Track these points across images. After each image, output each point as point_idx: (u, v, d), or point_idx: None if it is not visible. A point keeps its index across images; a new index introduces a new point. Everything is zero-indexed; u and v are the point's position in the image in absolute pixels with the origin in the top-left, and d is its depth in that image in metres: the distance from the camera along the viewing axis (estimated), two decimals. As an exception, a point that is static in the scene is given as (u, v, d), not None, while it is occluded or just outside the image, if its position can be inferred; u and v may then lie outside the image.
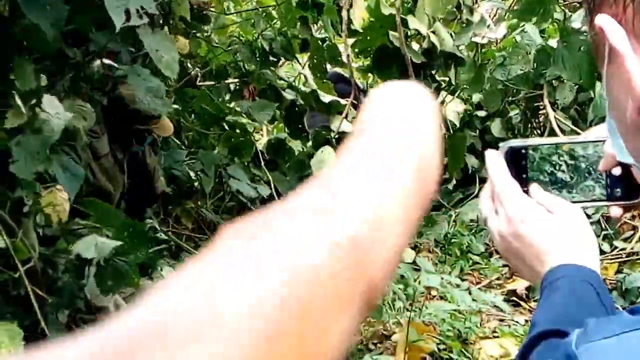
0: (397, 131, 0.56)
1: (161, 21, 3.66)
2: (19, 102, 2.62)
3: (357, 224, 0.46)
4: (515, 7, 7.07)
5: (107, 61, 3.73)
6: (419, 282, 4.37)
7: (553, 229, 1.00)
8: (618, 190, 1.04)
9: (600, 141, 1.03)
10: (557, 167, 1.05)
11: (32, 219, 2.89)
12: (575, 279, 0.94)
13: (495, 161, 1.05)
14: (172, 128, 4.33)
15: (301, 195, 0.48)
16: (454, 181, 7.37)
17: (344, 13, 5.16)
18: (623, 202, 1.04)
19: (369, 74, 7.27)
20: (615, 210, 1.04)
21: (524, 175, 1.05)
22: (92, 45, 3.18)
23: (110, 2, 2.55)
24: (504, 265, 5.67)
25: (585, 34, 4.96)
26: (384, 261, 0.48)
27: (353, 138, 0.55)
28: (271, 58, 5.38)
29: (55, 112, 2.70)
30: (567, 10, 5.13)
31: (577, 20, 5.16)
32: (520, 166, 1.06)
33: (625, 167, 1.00)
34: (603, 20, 0.65)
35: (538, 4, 4.71)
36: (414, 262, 5.51)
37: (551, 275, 0.96)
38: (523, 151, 1.07)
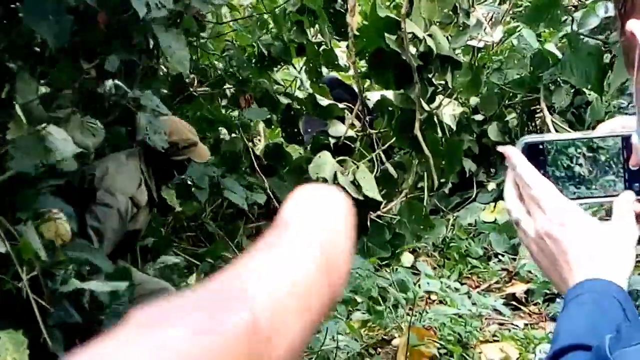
0: (311, 228, 0.59)
1: (177, 20, 3.67)
2: (19, 113, 2.61)
3: (257, 311, 0.47)
4: (512, 12, 7.09)
5: (117, 82, 3.75)
6: (419, 286, 4.35)
7: (590, 238, 0.98)
8: (637, 184, 1.02)
9: (619, 135, 1.01)
10: (575, 162, 1.03)
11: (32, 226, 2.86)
12: (602, 294, 0.92)
13: (520, 159, 1.02)
14: (208, 153, 4.35)
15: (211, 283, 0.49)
16: (451, 185, 7.36)
17: (348, 18, 5.15)
18: None
19: (366, 79, 7.28)
20: (637, 206, 1.02)
21: (542, 171, 1.03)
22: (107, 63, 3.19)
23: None
24: (503, 269, 5.66)
25: (592, 39, 4.97)
26: (283, 349, 0.48)
27: (271, 233, 0.57)
28: (267, 63, 5.36)
29: (62, 137, 2.70)
30: (572, 16, 5.12)
31: (584, 25, 5.17)
32: (537, 162, 1.03)
33: None
34: (635, 25, 0.64)
35: (545, 10, 4.72)
36: (413, 267, 5.50)
37: (578, 289, 0.94)
38: (540, 146, 1.04)
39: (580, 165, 1.03)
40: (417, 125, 5.32)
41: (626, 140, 1.01)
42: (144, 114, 3.49)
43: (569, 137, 1.04)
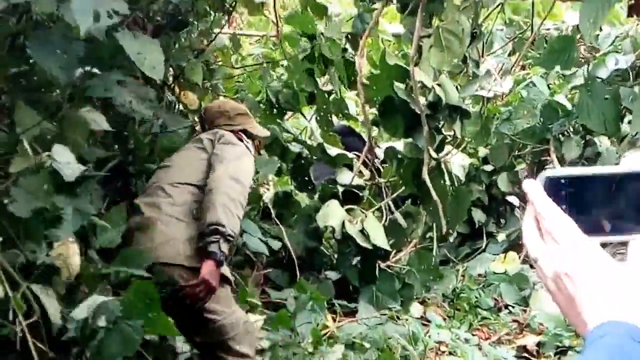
0: None
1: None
2: (26, 146, 2.57)
3: None
4: (521, 63, 7.12)
5: None
6: (429, 336, 4.27)
7: (611, 278, 0.94)
8: None
9: None
10: (598, 198, 0.99)
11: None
12: (623, 337, 0.88)
13: (540, 193, 0.99)
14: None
15: None
16: (458, 235, 7.31)
17: (357, 65, 5.16)
18: None
19: (374, 127, 7.29)
20: None
21: (563, 206, 0.99)
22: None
23: (79, 3, 2.48)
24: (513, 320, 5.58)
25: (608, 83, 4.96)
26: None
27: None
28: (276, 110, 5.37)
29: (66, 161, 2.64)
30: (588, 61, 5.12)
31: (600, 70, 5.16)
32: (558, 197, 0.99)
33: None
34: None
35: (561, 52, 4.72)
36: (422, 317, 5.42)
37: (599, 331, 0.90)
38: (562, 181, 1.00)
39: (603, 201, 1.00)
40: (425, 170, 5.29)
41: None
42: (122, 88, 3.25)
43: (592, 171, 1.00)
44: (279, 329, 4.24)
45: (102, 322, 2.77)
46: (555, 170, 1.03)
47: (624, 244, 0.99)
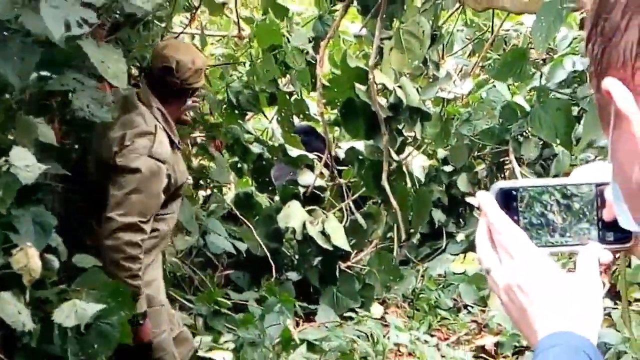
0: None
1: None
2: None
3: None
4: (481, 64, 7.19)
5: None
6: (388, 338, 4.31)
7: (560, 289, 0.96)
8: (610, 234, 1.00)
9: (593, 183, 1.00)
10: (549, 209, 1.02)
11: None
12: (572, 348, 0.90)
13: (492, 205, 1.00)
14: None
15: None
16: (420, 236, 7.36)
17: (318, 69, 5.17)
18: (615, 246, 1.00)
19: (335, 127, 7.32)
20: (606, 256, 1.01)
21: (515, 218, 1.01)
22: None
23: (48, 12, 2.46)
24: (472, 321, 5.64)
25: (561, 94, 5.06)
26: None
27: None
28: (237, 111, 5.36)
29: (24, 164, 2.61)
30: (541, 70, 5.21)
31: (558, 72, 5.25)
32: (510, 208, 1.01)
33: None
34: (610, 83, 0.64)
35: (514, 65, 4.81)
36: (382, 318, 5.46)
37: (547, 341, 0.93)
38: (514, 192, 1.02)
39: (554, 212, 1.02)
40: (384, 175, 5.33)
41: (600, 187, 1.00)
42: (80, 92, 3.10)
43: (543, 183, 1.02)
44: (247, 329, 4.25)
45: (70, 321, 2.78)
46: (507, 182, 1.04)
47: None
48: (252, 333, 4.20)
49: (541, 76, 5.22)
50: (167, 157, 3.47)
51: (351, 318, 5.19)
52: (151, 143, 3.39)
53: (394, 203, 5.27)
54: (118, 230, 3.26)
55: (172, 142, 3.58)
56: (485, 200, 1.01)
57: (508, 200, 1.02)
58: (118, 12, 3.20)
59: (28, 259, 2.87)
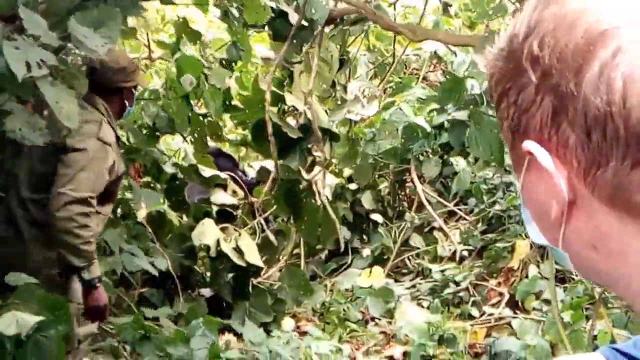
0: None
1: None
2: None
3: None
4: (385, 86, 7.49)
5: None
6: (310, 347, 4.49)
7: None
8: None
9: None
10: None
11: None
12: None
13: None
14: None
15: None
16: (326, 251, 7.57)
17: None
18: None
19: (242, 147, 7.49)
20: None
21: None
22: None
23: (11, 53, 2.59)
24: (381, 332, 5.88)
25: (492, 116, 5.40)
26: None
27: None
28: (154, 133, 5.47)
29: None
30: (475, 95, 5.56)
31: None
32: None
33: None
34: (531, 145, 0.77)
35: (453, 91, 5.19)
36: (295, 330, 5.65)
37: None
38: None
39: None
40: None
41: None
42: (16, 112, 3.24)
43: None
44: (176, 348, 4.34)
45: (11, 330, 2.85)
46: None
47: None
48: (181, 351, 4.31)
49: (477, 100, 5.53)
50: (111, 142, 3.77)
51: (267, 332, 5.34)
52: (97, 129, 3.71)
53: (332, 215, 5.45)
54: (70, 204, 3.52)
55: (116, 137, 3.92)
56: None
57: None
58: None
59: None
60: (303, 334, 5.58)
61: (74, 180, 3.56)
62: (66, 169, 3.59)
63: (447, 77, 6.71)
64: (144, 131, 5.33)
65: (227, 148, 7.52)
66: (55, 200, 3.54)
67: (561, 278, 5.98)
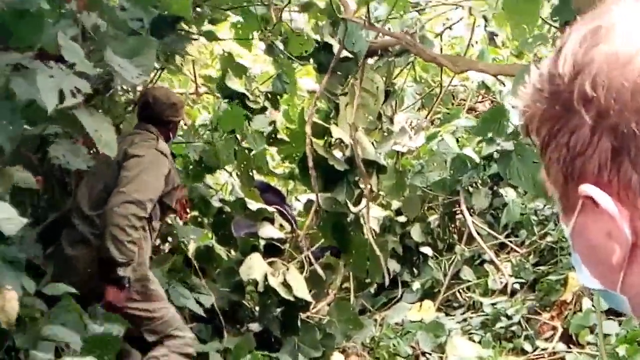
0: None
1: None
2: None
3: None
4: (432, 118, 7.44)
5: None
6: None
7: None
8: None
9: None
10: None
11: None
12: None
13: None
14: None
15: None
16: (375, 285, 7.49)
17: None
18: None
19: (290, 180, 7.48)
20: None
21: None
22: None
23: (44, 82, 2.60)
24: (432, 368, 5.78)
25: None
26: None
27: None
28: (200, 169, 5.49)
29: (6, 216, 2.71)
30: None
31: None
32: None
33: None
34: (591, 190, 0.74)
35: (493, 122, 5.13)
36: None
37: None
38: None
39: None
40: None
41: None
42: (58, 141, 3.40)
43: None
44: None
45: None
46: None
47: None
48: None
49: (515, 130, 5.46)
50: (168, 154, 4.14)
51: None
52: (155, 142, 4.07)
53: (377, 250, 5.43)
54: (127, 203, 3.78)
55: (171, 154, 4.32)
56: None
57: None
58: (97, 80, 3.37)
59: (6, 301, 2.95)
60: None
61: (133, 181, 3.83)
62: (127, 172, 3.88)
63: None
64: (190, 166, 5.34)
65: (274, 182, 7.52)
66: (114, 197, 3.80)
67: (616, 311, 5.81)
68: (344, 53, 5.26)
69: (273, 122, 5.74)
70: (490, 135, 5.35)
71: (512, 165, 4.95)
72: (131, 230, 3.76)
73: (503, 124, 5.15)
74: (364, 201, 6.01)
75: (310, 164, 5.17)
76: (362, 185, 6.07)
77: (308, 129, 5.25)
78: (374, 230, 6.87)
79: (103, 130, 2.90)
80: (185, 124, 5.72)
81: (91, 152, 3.82)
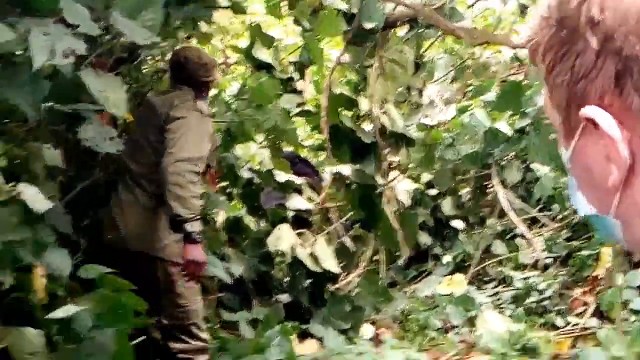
0: None
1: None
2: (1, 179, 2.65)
3: None
4: (464, 90, 7.35)
5: None
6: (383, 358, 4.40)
7: None
8: None
9: None
10: None
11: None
12: None
13: None
14: None
15: None
16: (406, 259, 7.47)
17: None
18: None
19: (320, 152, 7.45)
20: None
21: None
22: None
23: (36, 39, 2.57)
24: (461, 341, 5.74)
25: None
26: None
27: None
28: (229, 139, 5.48)
29: (33, 194, 2.72)
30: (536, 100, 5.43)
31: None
32: None
33: None
34: (593, 111, 0.74)
35: (512, 97, 5.05)
36: (374, 338, 5.56)
37: None
38: None
39: None
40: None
41: None
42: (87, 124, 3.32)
43: None
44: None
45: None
46: None
47: None
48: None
49: (536, 106, 5.39)
50: (207, 113, 4.15)
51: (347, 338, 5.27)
52: (194, 103, 4.06)
53: (394, 223, 5.38)
54: (179, 161, 3.81)
55: None
56: None
57: None
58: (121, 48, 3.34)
59: (34, 278, 2.96)
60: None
61: (179, 141, 3.85)
62: (172, 134, 3.88)
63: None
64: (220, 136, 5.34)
65: (305, 153, 7.50)
66: (166, 158, 3.82)
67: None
68: (367, 25, 5.21)
69: (300, 93, 5.70)
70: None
71: (529, 140, 4.90)
72: (191, 185, 3.80)
73: (519, 99, 5.08)
74: (392, 174, 5.98)
75: (327, 134, 5.13)
76: (390, 158, 6.05)
77: (324, 101, 5.21)
78: (403, 203, 6.84)
79: (110, 90, 2.85)
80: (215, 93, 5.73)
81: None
